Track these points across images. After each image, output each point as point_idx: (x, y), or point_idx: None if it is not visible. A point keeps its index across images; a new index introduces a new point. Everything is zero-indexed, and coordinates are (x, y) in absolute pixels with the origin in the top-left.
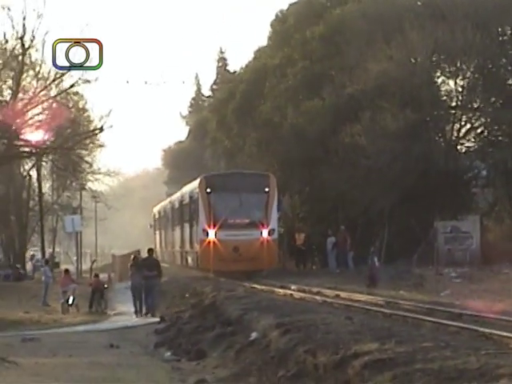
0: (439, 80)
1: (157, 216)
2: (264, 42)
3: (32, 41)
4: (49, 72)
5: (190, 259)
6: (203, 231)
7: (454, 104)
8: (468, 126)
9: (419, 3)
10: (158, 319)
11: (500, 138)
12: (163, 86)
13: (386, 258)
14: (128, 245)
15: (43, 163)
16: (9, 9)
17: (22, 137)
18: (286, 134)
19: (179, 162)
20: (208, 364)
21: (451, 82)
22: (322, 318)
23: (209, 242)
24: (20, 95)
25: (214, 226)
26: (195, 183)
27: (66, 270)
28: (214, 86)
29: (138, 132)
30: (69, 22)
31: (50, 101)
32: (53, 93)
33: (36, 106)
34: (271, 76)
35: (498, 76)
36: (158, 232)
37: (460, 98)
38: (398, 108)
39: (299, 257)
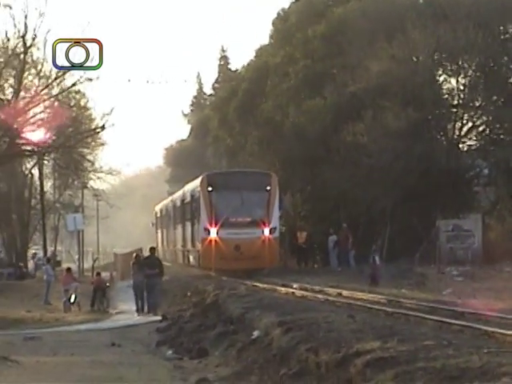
0: (441, 78)
1: (158, 214)
2: (266, 41)
3: (34, 39)
4: (50, 70)
5: (191, 258)
6: (205, 230)
7: (455, 102)
8: (470, 124)
9: (421, 2)
10: (159, 318)
11: (502, 137)
12: (165, 85)
13: (387, 256)
14: (130, 243)
15: (45, 162)
16: (10, 7)
17: (23, 135)
18: (287, 133)
19: (181, 161)
20: (210, 362)
21: (453, 81)
22: (324, 317)
23: (210, 241)
24: (22, 94)
25: (216, 224)
26: (197, 182)
27: (68, 269)
28: (216, 85)
29: (140, 130)
30: (71, 21)
31: (52, 99)
32: (54, 91)
33: (38, 105)
34: (273, 75)
35: (500, 74)
36: (159, 230)
37: (462, 96)
38: (400, 107)
39: (301, 255)
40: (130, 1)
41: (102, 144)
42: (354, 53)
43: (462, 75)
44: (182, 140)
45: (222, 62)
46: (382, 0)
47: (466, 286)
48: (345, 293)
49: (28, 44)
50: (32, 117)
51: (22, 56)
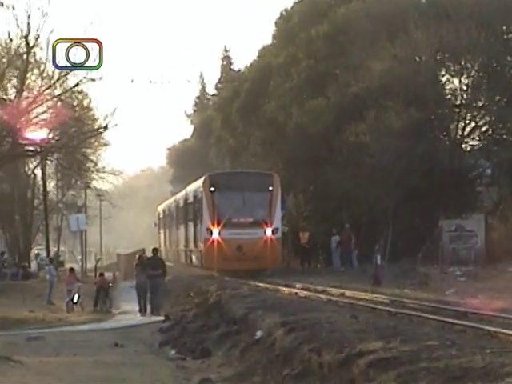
0: (444, 78)
1: (161, 215)
2: (268, 41)
3: (36, 39)
4: (53, 71)
5: (194, 258)
6: (207, 230)
7: (458, 102)
8: (472, 124)
9: (423, 2)
10: (162, 318)
11: (505, 137)
12: (168, 85)
13: (390, 256)
14: (132, 244)
15: (48, 162)
16: (13, 8)
17: (26, 135)
18: (290, 133)
19: (184, 161)
20: (213, 363)
21: (456, 81)
22: (327, 317)
23: (213, 241)
24: (24, 94)
25: (218, 224)
26: (199, 182)
27: (71, 269)
28: (219, 85)
29: (143, 131)
30: (73, 21)
31: (55, 99)
32: (57, 91)
33: (40, 105)
34: (276, 75)
35: (503, 74)
36: (162, 231)
37: (464, 96)
38: (403, 107)
39: (304, 255)
40: (133, 1)
41: (105, 144)
42: (357, 53)
43: (464, 75)
44: (185, 140)
45: (224, 62)
46: (384, 0)
47: (469, 286)
48: (348, 293)
49: (31, 44)
50: (35, 117)
51: (24, 56)
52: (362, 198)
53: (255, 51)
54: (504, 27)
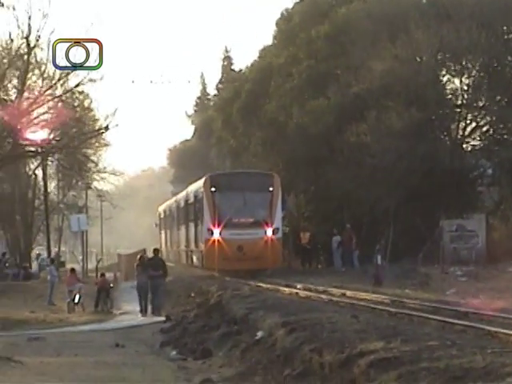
0: (444, 79)
1: (162, 215)
2: (269, 41)
3: (37, 40)
4: (54, 71)
5: (195, 258)
6: (208, 230)
7: (459, 102)
8: (473, 124)
9: (424, 2)
10: (163, 318)
11: (505, 137)
12: (168, 85)
13: (391, 256)
14: (133, 244)
15: (49, 162)
16: (14, 8)
17: (27, 136)
18: (291, 134)
19: (185, 161)
20: (214, 363)
21: (456, 81)
22: (328, 317)
23: (213, 241)
24: (25, 94)
25: (219, 225)
26: (200, 182)
27: (72, 269)
28: (220, 85)
29: (144, 131)
30: (74, 22)
31: (56, 100)
32: (58, 92)
33: (41, 106)
34: (276, 75)
35: (504, 74)
36: (163, 231)
37: (465, 96)
38: (404, 107)
39: (304, 256)
40: (134, 2)
41: (106, 145)
42: (358, 53)
43: (465, 75)
44: (186, 141)
45: (225, 63)
46: (385, 0)
47: (470, 286)
48: (348, 293)
49: (32, 45)
50: (36, 117)
51: (25, 57)
52: (362, 198)
53: (256, 51)
54: (504, 27)
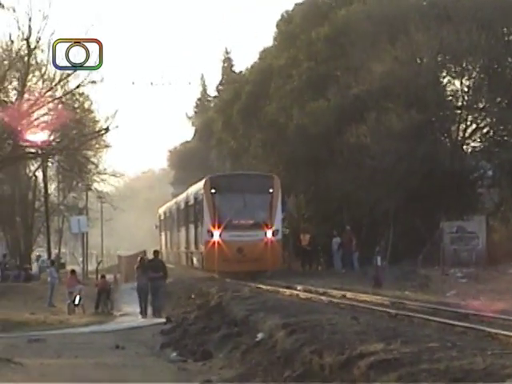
0: (445, 80)
1: (162, 217)
2: (269, 43)
3: (38, 42)
4: (54, 73)
5: (195, 260)
6: (208, 232)
7: (459, 104)
8: (474, 126)
9: (424, 3)
10: (163, 320)
11: (506, 138)
12: (169, 87)
13: (391, 258)
14: (133, 245)
15: (49, 164)
16: (14, 10)
17: (27, 138)
18: (291, 135)
19: (185, 163)
20: (214, 365)
21: (457, 82)
22: (328, 319)
23: (213, 243)
24: (26, 96)
25: (219, 226)
26: (200, 184)
27: (72, 271)
28: (220, 87)
29: (144, 133)
30: (74, 23)
31: (56, 102)
32: (58, 94)
33: (42, 107)
34: (276, 77)
35: (504, 76)
36: (163, 233)
37: (466, 98)
38: (404, 108)
39: (304, 257)
40: (134, 3)
41: (106, 146)
42: (358, 54)
43: (465, 77)
44: (186, 142)
45: (225, 64)
46: (385, 2)
47: (470, 288)
48: (349, 295)
49: (32, 46)
50: (36, 119)
51: (25, 58)
52: (362, 200)
53: (256, 53)
54: (505, 29)
